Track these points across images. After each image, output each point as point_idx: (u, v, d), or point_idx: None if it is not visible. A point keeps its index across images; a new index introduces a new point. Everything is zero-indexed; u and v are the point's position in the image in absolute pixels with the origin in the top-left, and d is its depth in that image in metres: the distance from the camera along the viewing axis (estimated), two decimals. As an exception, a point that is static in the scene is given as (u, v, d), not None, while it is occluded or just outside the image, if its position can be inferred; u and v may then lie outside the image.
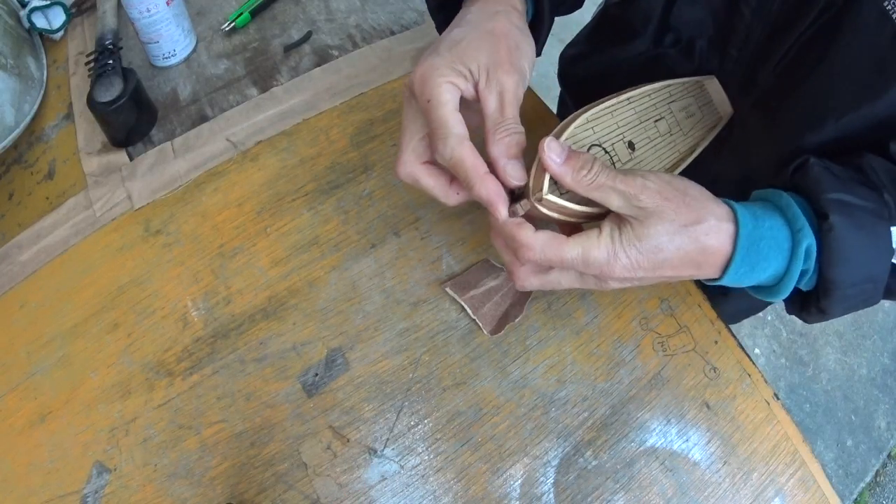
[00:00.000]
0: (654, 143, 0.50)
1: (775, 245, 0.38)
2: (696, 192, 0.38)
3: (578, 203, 0.39)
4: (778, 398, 0.49)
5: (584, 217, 0.42)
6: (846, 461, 1.48)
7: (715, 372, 0.49)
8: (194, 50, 0.69)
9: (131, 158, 0.61)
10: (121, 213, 0.57)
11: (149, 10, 0.61)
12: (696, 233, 0.36)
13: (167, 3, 0.62)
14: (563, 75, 0.74)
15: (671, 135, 0.51)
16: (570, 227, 0.41)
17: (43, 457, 0.47)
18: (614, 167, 0.44)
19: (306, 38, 0.69)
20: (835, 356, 1.63)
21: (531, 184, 0.39)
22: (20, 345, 0.52)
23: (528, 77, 0.40)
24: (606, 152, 0.47)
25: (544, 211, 0.39)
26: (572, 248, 0.37)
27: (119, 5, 0.67)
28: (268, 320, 0.51)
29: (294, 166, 0.59)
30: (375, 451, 0.46)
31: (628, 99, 0.50)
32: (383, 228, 0.55)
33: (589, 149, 0.45)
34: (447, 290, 0.52)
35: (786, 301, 0.42)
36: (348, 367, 0.49)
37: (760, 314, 1.64)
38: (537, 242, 0.37)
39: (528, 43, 0.42)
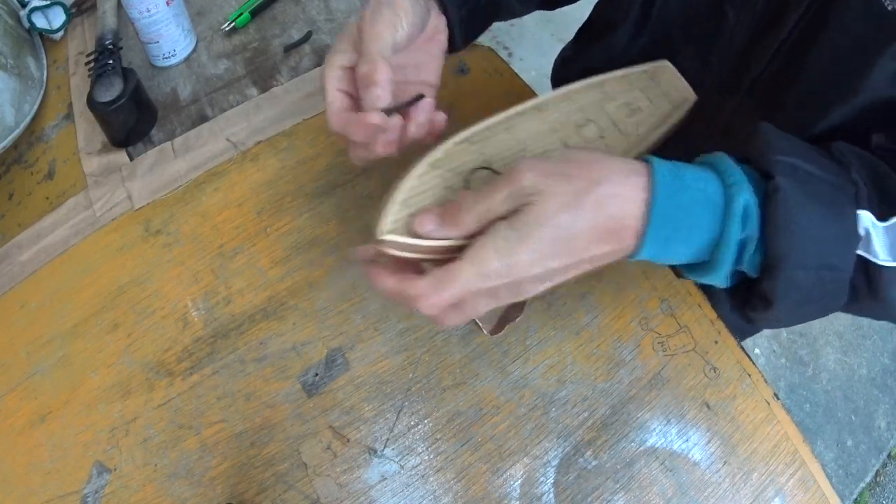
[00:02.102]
0: None
1: (703, 199, 0.32)
2: (584, 154, 0.34)
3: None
4: (778, 398, 0.49)
5: (442, 251, 0.37)
6: (846, 461, 1.48)
7: (715, 372, 0.49)
8: (194, 50, 0.69)
9: (131, 158, 0.61)
10: (121, 213, 0.57)
11: (149, 10, 0.61)
12: (595, 196, 0.31)
13: (167, 3, 0.62)
14: (553, 79, 0.74)
15: (602, 138, 0.47)
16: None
17: (43, 457, 0.47)
18: None
19: (306, 38, 0.69)
20: (835, 356, 1.63)
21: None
22: (20, 345, 0.52)
23: (404, 14, 0.40)
24: (497, 173, 0.43)
25: (395, 253, 0.37)
26: (463, 269, 0.32)
27: (119, 5, 0.67)
28: (268, 320, 0.51)
29: (294, 166, 0.59)
30: (375, 451, 0.46)
31: (536, 108, 0.47)
32: (383, 228, 0.55)
33: (474, 172, 0.43)
34: (447, 290, 0.52)
35: (730, 294, 0.37)
36: (348, 367, 0.49)
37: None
38: (424, 287, 0.33)
39: None
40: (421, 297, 0.33)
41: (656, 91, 0.50)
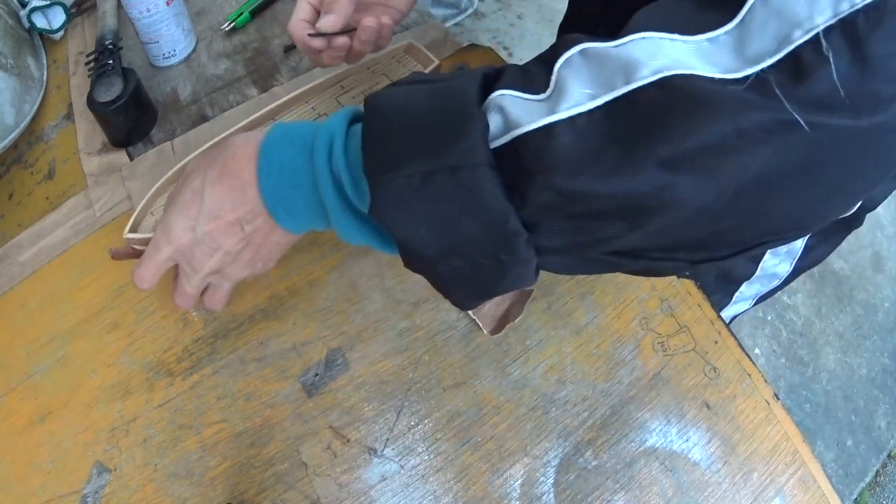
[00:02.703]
0: None
1: (298, 141, 0.34)
2: (234, 137, 0.38)
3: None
4: (778, 398, 0.49)
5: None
6: (846, 461, 1.48)
7: (715, 372, 0.49)
8: (194, 50, 0.69)
9: (131, 158, 0.61)
10: (121, 213, 0.57)
11: (149, 10, 0.61)
12: (219, 160, 0.36)
13: (167, 3, 0.62)
14: None
15: None
16: None
17: (43, 457, 0.47)
18: None
19: (306, 38, 0.69)
20: (835, 356, 1.63)
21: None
22: (20, 345, 0.52)
23: None
24: None
25: (138, 248, 0.46)
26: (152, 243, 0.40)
27: (119, 5, 0.67)
28: (268, 320, 0.51)
29: (294, 166, 0.59)
30: (375, 451, 0.46)
31: (271, 113, 0.52)
32: (383, 228, 0.55)
33: None
34: (447, 290, 0.52)
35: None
36: (348, 367, 0.49)
37: (760, 314, 1.64)
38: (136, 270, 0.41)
39: None
40: (137, 278, 0.41)
41: (402, 71, 0.53)
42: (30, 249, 0.57)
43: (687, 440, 0.47)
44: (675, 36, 0.26)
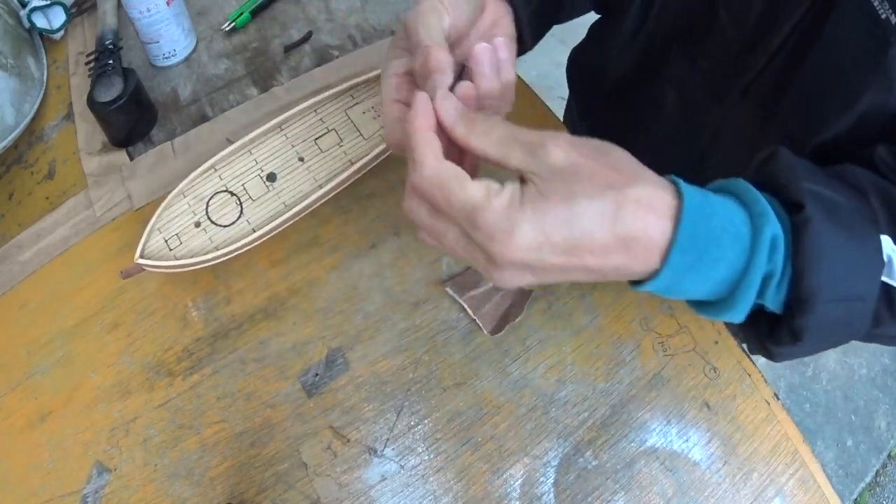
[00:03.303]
0: (311, 163, 0.52)
1: (731, 229, 0.29)
2: (622, 154, 0.30)
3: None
4: (778, 398, 0.49)
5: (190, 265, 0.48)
6: (846, 461, 1.48)
7: (715, 372, 0.49)
8: (194, 50, 0.69)
9: (131, 158, 0.61)
10: (121, 213, 0.57)
11: (149, 10, 0.61)
12: (623, 198, 0.28)
13: (167, 3, 0.62)
14: (568, 73, 0.74)
15: (340, 145, 0.52)
16: None
17: (43, 457, 0.47)
18: (242, 209, 0.49)
19: (306, 38, 0.69)
20: (835, 356, 1.63)
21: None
22: (20, 345, 0.52)
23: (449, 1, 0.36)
24: (234, 195, 0.50)
25: (150, 270, 0.47)
26: (461, 195, 0.28)
27: (119, 5, 0.67)
28: (268, 320, 0.51)
29: (294, 166, 0.59)
30: (375, 451, 0.46)
31: (278, 126, 0.52)
32: (383, 228, 0.55)
33: (212, 198, 0.49)
34: (447, 290, 0.52)
35: (745, 329, 0.34)
36: (348, 367, 0.49)
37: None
38: (431, 167, 0.29)
39: None
40: (420, 165, 0.30)
41: None
42: (30, 249, 0.57)
43: (687, 440, 0.47)
44: None
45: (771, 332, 0.32)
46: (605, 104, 0.67)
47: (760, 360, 0.46)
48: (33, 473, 0.47)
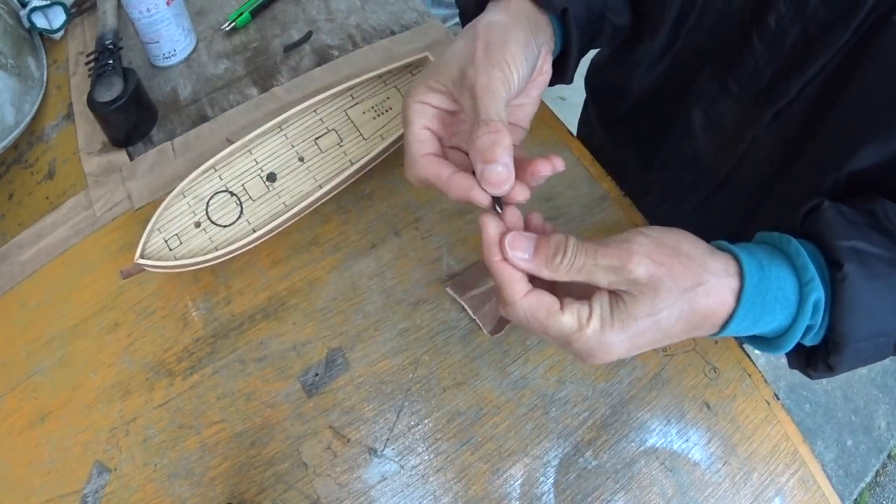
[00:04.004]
0: (311, 163, 0.52)
1: (782, 298, 0.34)
2: (690, 247, 0.34)
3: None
4: (778, 398, 0.49)
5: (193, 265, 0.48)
6: (846, 461, 1.48)
7: (715, 372, 0.49)
8: (194, 50, 0.69)
9: (131, 158, 0.61)
10: (121, 212, 0.57)
11: (149, 10, 0.61)
12: (696, 296, 0.32)
13: (167, 3, 0.62)
14: (588, 83, 0.74)
15: (340, 146, 0.52)
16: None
17: (43, 457, 0.47)
18: (241, 209, 0.50)
19: (306, 38, 0.69)
20: (835, 356, 1.63)
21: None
22: (20, 345, 0.52)
23: (517, 68, 0.35)
24: (234, 195, 0.50)
25: (150, 270, 0.47)
26: (556, 326, 0.32)
27: (119, 5, 0.67)
28: (268, 320, 0.51)
29: (294, 166, 0.59)
30: (375, 451, 0.46)
31: (278, 125, 0.52)
32: (383, 228, 0.55)
33: (212, 198, 0.50)
34: (447, 290, 0.52)
35: (788, 355, 0.40)
36: (348, 367, 0.49)
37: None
38: (522, 306, 0.32)
39: (521, 30, 0.36)
40: (509, 307, 0.33)
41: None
42: (30, 249, 0.57)
43: (687, 440, 0.47)
44: None
45: (808, 361, 0.39)
46: (629, 118, 0.66)
47: (761, 361, 0.47)
48: (33, 473, 0.47)
